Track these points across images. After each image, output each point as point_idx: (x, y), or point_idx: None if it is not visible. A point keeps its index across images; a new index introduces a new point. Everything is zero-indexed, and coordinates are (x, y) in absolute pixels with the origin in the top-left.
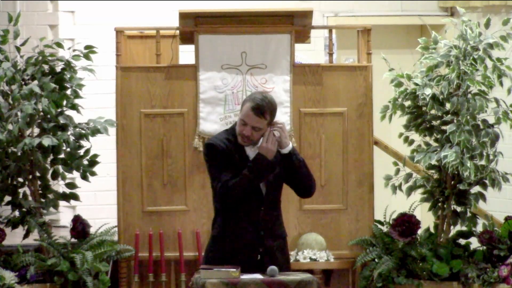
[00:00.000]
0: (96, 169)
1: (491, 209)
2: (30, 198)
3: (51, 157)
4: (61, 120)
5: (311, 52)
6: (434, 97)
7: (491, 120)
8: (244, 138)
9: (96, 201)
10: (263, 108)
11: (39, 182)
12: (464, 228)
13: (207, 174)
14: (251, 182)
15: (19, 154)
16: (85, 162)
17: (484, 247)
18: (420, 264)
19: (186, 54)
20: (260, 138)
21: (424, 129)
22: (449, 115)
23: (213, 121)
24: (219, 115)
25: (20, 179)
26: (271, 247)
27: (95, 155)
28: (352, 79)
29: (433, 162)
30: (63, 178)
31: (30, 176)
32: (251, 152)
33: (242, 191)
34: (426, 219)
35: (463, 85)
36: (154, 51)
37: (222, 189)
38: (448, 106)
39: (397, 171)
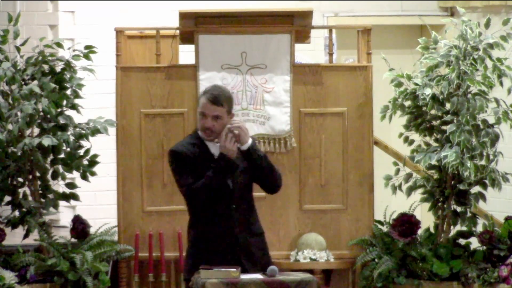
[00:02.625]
0: (96, 169)
1: (491, 209)
2: (30, 198)
3: (51, 157)
4: (61, 120)
5: (311, 52)
6: (434, 97)
7: (491, 120)
8: (207, 131)
9: (96, 201)
10: (218, 96)
11: (39, 182)
12: (464, 228)
13: None
14: (215, 182)
15: (19, 154)
16: (85, 162)
17: (484, 247)
18: (420, 264)
19: (186, 54)
20: (222, 129)
21: (424, 129)
22: (449, 115)
23: None
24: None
25: (20, 179)
26: (248, 244)
27: (95, 155)
28: (352, 79)
29: (433, 162)
30: (63, 178)
31: (30, 176)
32: (216, 150)
33: (208, 192)
34: (426, 219)
35: (463, 85)
36: (154, 51)
37: (188, 192)
38: (448, 106)
39: (397, 171)
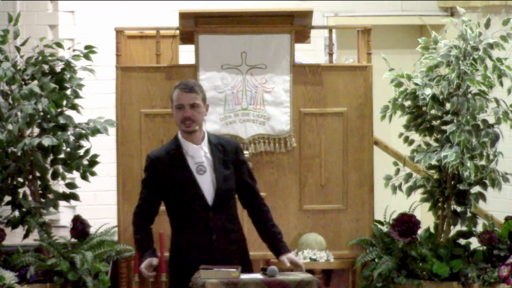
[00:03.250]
0: (96, 169)
1: (491, 209)
2: (30, 198)
3: (51, 157)
4: (61, 120)
5: (311, 52)
6: (434, 97)
7: (491, 120)
8: (187, 121)
9: (96, 201)
10: (190, 84)
11: (39, 182)
12: (464, 228)
13: None
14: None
15: (19, 154)
16: (85, 162)
17: (484, 247)
18: (420, 264)
19: (186, 54)
20: (202, 119)
21: (424, 129)
22: (449, 115)
23: (213, 121)
24: (219, 115)
25: (20, 179)
26: (226, 251)
27: (95, 155)
28: (352, 79)
29: (433, 162)
30: (63, 178)
31: (30, 176)
32: (194, 152)
33: (134, 237)
34: (426, 219)
35: (463, 85)
36: (154, 51)
37: (134, 214)
38: (448, 106)
39: (397, 171)
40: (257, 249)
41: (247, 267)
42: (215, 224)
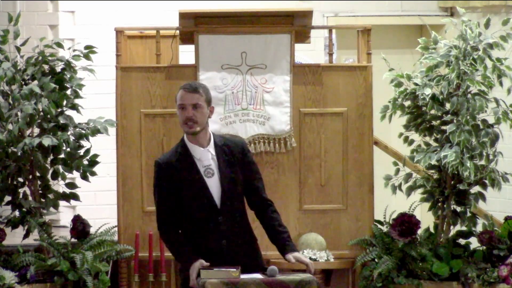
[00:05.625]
0: (96, 169)
1: (491, 209)
2: (30, 198)
3: (51, 157)
4: (61, 120)
5: (311, 52)
6: (434, 97)
7: (491, 120)
8: (189, 122)
9: (96, 201)
10: (193, 84)
11: (39, 182)
12: (464, 228)
13: None
14: (173, 255)
15: (19, 154)
16: (85, 162)
17: (484, 247)
18: (420, 264)
19: (186, 54)
20: (205, 121)
21: (424, 129)
22: (449, 115)
23: (213, 121)
24: (219, 115)
25: (20, 179)
26: (237, 256)
27: (95, 155)
28: (352, 79)
29: (433, 162)
30: (63, 178)
31: (30, 176)
32: (201, 155)
33: (169, 248)
34: (426, 219)
35: (463, 85)
36: (154, 51)
37: (158, 226)
38: (448, 106)
39: (397, 171)
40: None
41: (260, 270)
42: (225, 229)
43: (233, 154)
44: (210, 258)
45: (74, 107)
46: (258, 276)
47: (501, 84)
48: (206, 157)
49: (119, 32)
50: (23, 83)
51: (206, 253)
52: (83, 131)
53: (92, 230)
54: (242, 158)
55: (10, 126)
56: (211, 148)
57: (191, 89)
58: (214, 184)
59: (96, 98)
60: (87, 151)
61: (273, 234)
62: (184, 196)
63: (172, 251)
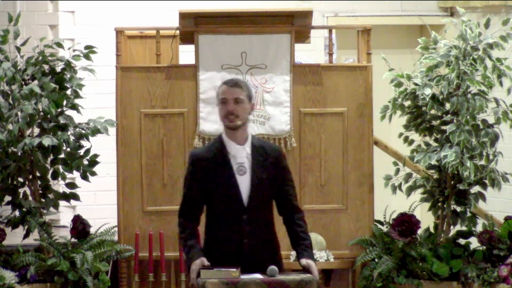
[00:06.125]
0: (96, 169)
1: (491, 209)
2: (30, 198)
3: (51, 157)
4: (61, 120)
5: (311, 52)
6: (434, 97)
7: (491, 120)
8: (230, 116)
9: (96, 201)
10: (235, 80)
11: (39, 182)
12: (464, 228)
13: None
14: (182, 248)
15: (19, 154)
16: (85, 162)
17: (484, 247)
18: (420, 264)
19: (186, 54)
20: (246, 116)
21: (424, 129)
22: (449, 115)
23: (213, 121)
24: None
25: (20, 179)
26: (257, 257)
27: (95, 155)
28: (352, 79)
29: (433, 162)
30: (63, 178)
31: (30, 176)
32: (236, 152)
33: (179, 239)
34: (426, 219)
35: (463, 85)
36: (154, 51)
37: (178, 215)
38: (448, 106)
39: (397, 171)
40: None
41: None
42: (248, 228)
43: (268, 157)
44: (229, 255)
45: (74, 107)
46: (258, 276)
47: (501, 84)
48: (240, 154)
49: (119, 32)
50: (23, 83)
51: (226, 250)
52: (83, 131)
53: (92, 230)
54: (276, 163)
55: (10, 126)
56: (247, 147)
57: (233, 84)
58: (244, 182)
59: (96, 98)
60: (87, 151)
61: (295, 239)
62: (213, 191)
63: (181, 244)
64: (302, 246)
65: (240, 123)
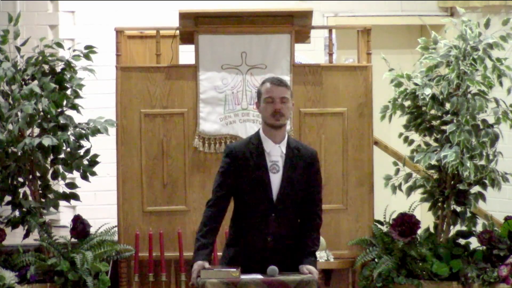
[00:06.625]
0: (96, 169)
1: (491, 209)
2: (30, 198)
3: (51, 157)
4: (61, 120)
5: (311, 52)
6: (434, 97)
7: (491, 120)
8: (277, 114)
9: (96, 201)
10: (279, 78)
11: (39, 182)
12: (464, 228)
13: (207, 174)
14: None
15: (19, 154)
16: (85, 162)
17: (484, 247)
18: (420, 264)
19: (186, 54)
20: (289, 115)
21: (424, 129)
22: (449, 115)
23: (213, 121)
24: (219, 115)
25: (20, 179)
26: (279, 255)
27: (95, 155)
28: (352, 79)
29: (433, 162)
30: (63, 178)
31: (30, 176)
32: (272, 150)
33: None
34: (426, 219)
35: (463, 85)
36: (154, 51)
37: (206, 205)
38: (448, 106)
39: (397, 171)
40: None
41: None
42: (274, 226)
43: (302, 158)
44: (253, 252)
45: (74, 107)
46: (258, 276)
47: (501, 84)
48: (275, 152)
49: (119, 32)
50: (23, 83)
51: (251, 247)
52: (83, 131)
53: (92, 230)
54: (309, 166)
55: (10, 126)
56: (283, 146)
57: (279, 82)
58: (276, 181)
59: (96, 98)
60: (87, 151)
61: (303, 246)
62: (245, 185)
63: (197, 235)
64: (307, 253)
65: (285, 122)
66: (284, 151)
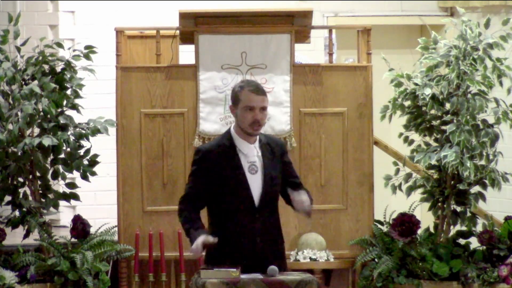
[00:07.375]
0: (96, 169)
1: (491, 209)
2: (30, 198)
3: (51, 157)
4: (61, 120)
5: (311, 52)
6: (434, 97)
7: (491, 120)
8: (256, 125)
9: (96, 201)
10: (260, 86)
11: (39, 182)
12: (464, 228)
13: None
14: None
15: (19, 154)
16: (85, 162)
17: (484, 247)
18: (420, 264)
19: (186, 54)
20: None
21: (424, 129)
22: (449, 115)
23: (213, 121)
24: (219, 115)
25: (20, 179)
26: (267, 254)
27: (95, 155)
28: (352, 79)
29: (433, 162)
30: (63, 178)
31: (30, 176)
32: (248, 151)
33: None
34: (426, 219)
35: (463, 85)
36: (154, 51)
37: (179, 202)
38: (448, 106)
39: (397, 171)
40: None
41: (282, 269)
42: (260, 226)
43: (274, 152)
44: (241, 254)
45: (74, 107)
46: (258, 276)
47: (501, 84)
48: (252, 153)
49: (119, 32)
50: (23, 83)
51: (238, 249)
52: (83, 131)
53: (92, 230)
54: (282, 158)
55: (10, 126)
56: (257, 145)
57: (258, 90)
58: (256, 181)
59: (96, 98)
60: (87, 151)
61: (295, 188)
62: (222, 190)
63: (183, 223)
64: (299, 188)
65: (261, 131)
66: (259, 150)
